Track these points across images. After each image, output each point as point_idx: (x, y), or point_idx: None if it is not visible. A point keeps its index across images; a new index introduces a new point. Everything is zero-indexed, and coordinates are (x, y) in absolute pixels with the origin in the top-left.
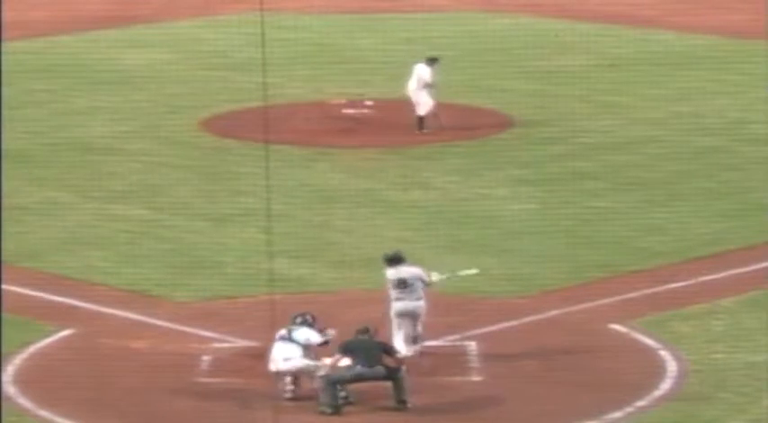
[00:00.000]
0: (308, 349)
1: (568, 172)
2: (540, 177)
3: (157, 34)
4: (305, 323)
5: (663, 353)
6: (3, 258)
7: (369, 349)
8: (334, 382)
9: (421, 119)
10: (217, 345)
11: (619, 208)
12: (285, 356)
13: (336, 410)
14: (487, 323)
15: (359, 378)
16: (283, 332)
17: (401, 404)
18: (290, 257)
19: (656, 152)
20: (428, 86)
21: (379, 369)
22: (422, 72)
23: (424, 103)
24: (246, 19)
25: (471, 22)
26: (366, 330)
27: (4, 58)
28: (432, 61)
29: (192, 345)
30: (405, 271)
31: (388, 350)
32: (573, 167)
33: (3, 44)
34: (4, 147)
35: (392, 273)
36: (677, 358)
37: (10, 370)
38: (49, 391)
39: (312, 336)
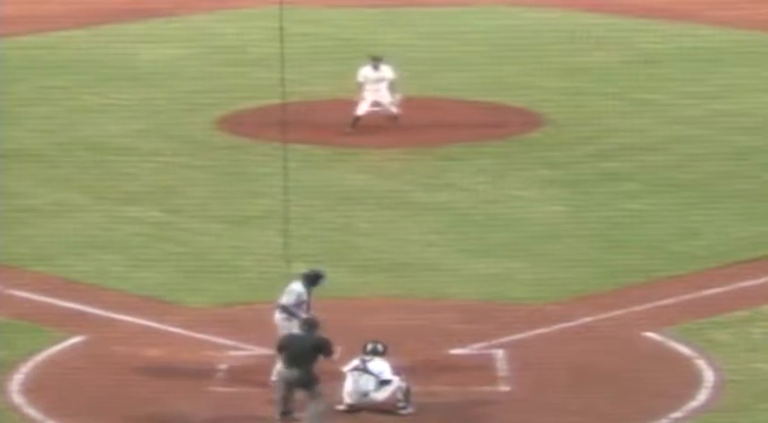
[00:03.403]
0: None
1: (601, 173)
2: (572, 178)
3: (173, 29)
4: (376, 352)
5: (699, 362)
6: (11, 262)
7: (297, 347)
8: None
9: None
10: (233, 352)
11: (654, 210)
12: (363, 391)
13: (285, 415)
14: (516, 330)
15: (287, 382)
16: (357, 363)
17: None
18: (310, 261)
19: (692, 152)
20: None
21: (294, 372)
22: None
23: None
24: (265, 12)
25: (499, 15)
26: (307, 323)
27: (14, 52)
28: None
29: (208, 352)
30: None
31: (322, 348)
32: (606, 168)
33: (13, 39)
34: (12, 146)
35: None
36: (714, 368)
37: (17, 379)
38: (59, 401)
39: (386, 370)
